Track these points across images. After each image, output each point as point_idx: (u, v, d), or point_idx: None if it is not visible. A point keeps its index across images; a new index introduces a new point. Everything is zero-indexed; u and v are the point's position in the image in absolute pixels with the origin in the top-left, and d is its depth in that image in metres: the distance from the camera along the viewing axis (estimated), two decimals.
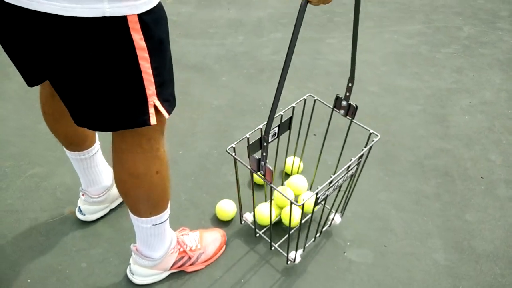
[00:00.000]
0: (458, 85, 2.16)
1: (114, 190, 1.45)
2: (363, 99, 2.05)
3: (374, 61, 2.31)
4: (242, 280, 1.32)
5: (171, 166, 1.59)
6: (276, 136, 1.27)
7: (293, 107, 1.32)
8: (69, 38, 0.79)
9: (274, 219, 1.43)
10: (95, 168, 1.35)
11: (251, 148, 1.15)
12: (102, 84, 0.85)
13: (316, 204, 1.14)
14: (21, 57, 0.93)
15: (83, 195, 1.41)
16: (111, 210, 1.49)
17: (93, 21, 0.76)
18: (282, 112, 1.31)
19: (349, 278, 1.32)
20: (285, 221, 1.40)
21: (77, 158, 1.30)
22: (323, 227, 1.38)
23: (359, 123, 1.29)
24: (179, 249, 1.29)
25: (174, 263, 1.29)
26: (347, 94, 1.25)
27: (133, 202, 1.12)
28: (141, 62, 0.84)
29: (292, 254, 1.31)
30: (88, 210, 1.44)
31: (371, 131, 1.25)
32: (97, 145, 1.34)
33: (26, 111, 1.90)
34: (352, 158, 1.18)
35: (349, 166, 1.17)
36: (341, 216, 1.43)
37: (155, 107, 0.91)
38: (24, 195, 1.55)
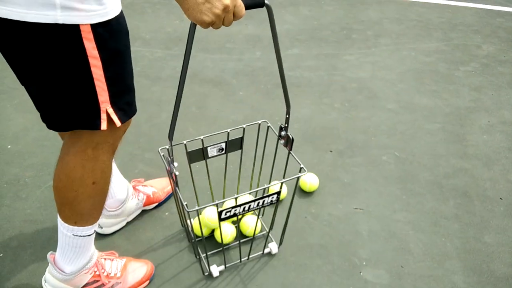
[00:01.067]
0: (477, 104, 2.14)
1: (130, 204, 1.47)
2: (381, 116, 2.04)
3: (392, 78, 2.31)
4: None
5: (187, 180, 1.61)
6: (224, 151, 1.31)
7: (243, 128, 1.34)
8: (25, 41, 0.84)
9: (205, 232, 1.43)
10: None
11: (192, 156, 1.26)
12: (57, 86, 0.91)
13: (220, 219, 1.15)
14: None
15: None
16: (128, 223, 1.51)
17: (47, 27, 0.82)
18: (229, 129, 1.33)
19: None
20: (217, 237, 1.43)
21: None
22: (249, 253, 1.38)
23: (293, 155, 1.26)
24: (95, 271, 1.23)
25: (86, 285, 1.23)
26: (286, 125, 1.26)
27: (62, 203, 1.10)
28: (93, 69, 0.89)
29: (213, 268, 1.33)
30: (105, 224, 1.45)
31: (301, 165, 1.21)
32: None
33: None
34: (269, 185, 1.21)
35: (264, 191, 1.26)
36: (278, 246, 1.40)
37: (108, 114, 0.96)
38: (43, 205, 1.57)
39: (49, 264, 1.21)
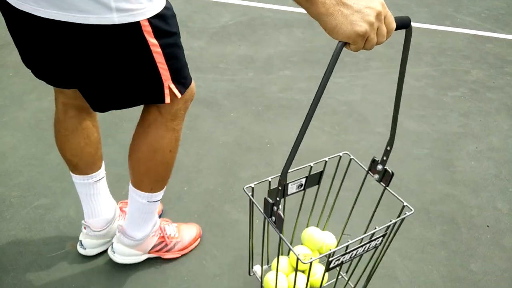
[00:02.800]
0: (465, 130, 2.16)
1: (115, 225, 1.46)
2: (370, 139, 2.06)
3: (382, 102, 2.33)
4: None
5: (175, 202, 1.60)
6: (302, 187, 1.21)
7: (326, 161, 1.26)
8: (90, 41, 0.95)
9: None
10: (98, 197, 1.39)
11: (271, 194, 1.06)
12: (125, 75, 1.04)
13: (327, 269, 1.04)
14: (47, 65, 1.05)
15: (85, 228, 1.42)
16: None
17: (108, 28, 0.92)
18: (312, 163, 1.24)
19: None
20: None
21: (81, 182, 1.35)
22: None
23: (393, 193, 1.19)
24: (160, 234, 1.41)
25: (153, 247, 1.41)
26: (384, 158, 1.17)
27: (141, 174, 1.25)
28: (155, 55, 1.02)
29: None
30: (89, 244, 1.44)
31: (405, 203, 1.13)
32: (102, 172, 1.39)
33: (36, 141, 1.93)
34: (377, 227, 1.07)
35: (372, 235, 1.07)
36: None
37: (170, 89, 1.10)
38: (28, 226, 1.55)
39: (118, 234, 1.36)
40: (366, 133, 2.10)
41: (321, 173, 1.23)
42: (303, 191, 1.24)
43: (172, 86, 1.10)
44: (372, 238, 1.07)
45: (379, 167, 1.20)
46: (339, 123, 2.17)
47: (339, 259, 1.04)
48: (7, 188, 1.70)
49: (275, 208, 0.99)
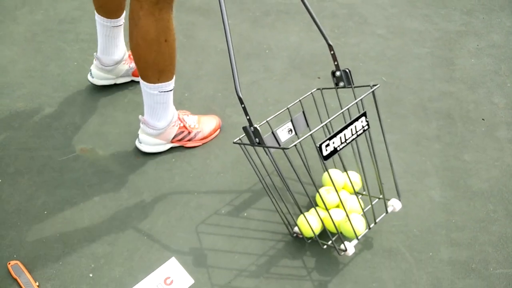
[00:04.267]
0: (468, 28, 2.12)
1: (122, 67, 1.69)
2: (370, 42, 2.03)
3: (383, 3, 2.26)
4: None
5: (176, 107, 1.64)
6: (294, 132, 1.24)
7: (300, 101, 1.32)
8: None
9: (319, 229, 1.27)
10: (113, 40, 1.60)
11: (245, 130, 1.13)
12: None
13: (323, 157, 1.07)
14: None
15: (95, 60, 1.65)
16: (118, 152, 1.55)
17: None
18: (289, 105, 1.30)
19: None
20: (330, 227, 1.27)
21: (102, 23, 1.55)
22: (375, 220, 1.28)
23: (359, 86, 1.25)
24: (180, 124, 1.51)
25: (175, 136, 1.51)
26: (335, 63, 1.25)
27: (144, 66, 1.34)
28: None
29: (345, 245, 1.21)
30: (97, 75, 1.69)
31: (372, 83, 1.20)
32: (121, 20, 1.57)
33: (34, 53, 1.92)
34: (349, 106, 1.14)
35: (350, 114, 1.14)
36: (400, 200, 1.30)
37: None
38: (36, 134, 1.61)
39: (141, 125, 1.47)
40: (366, 35, 2.07)
41: (303, 113, 1.27)
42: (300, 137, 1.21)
43: None
44: (354, 118, 1.13)
45: (337, 73, 1.26)
46: (339, 26, 2.12)
47: (328, 144, 1.09)
48: (12, 100, 1.73)
49: (251, 128, 1.10)
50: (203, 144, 1.57)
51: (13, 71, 1.86)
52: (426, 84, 1.83)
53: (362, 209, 1.27)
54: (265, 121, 1.30)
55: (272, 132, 1.20)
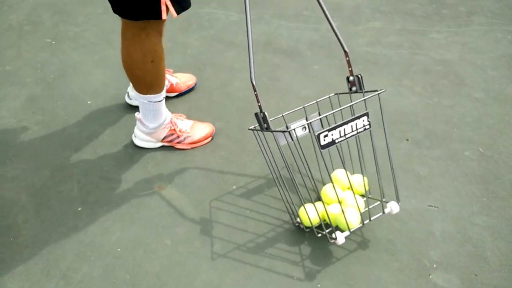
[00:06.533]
0: None
1: None
2: (466, 105, 1.89)
3: (483, 64, 2.11)
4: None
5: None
6: (307, 129, 1.34)
7: (317, 103, 1.43)
8: None
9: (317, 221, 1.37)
10: None
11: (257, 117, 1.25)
12: None
13: (320, 146, 1.15)
14: None
15: None
16: (193, 194, 1.54)
17: None
18: (306, 105, 1.44)
19: None
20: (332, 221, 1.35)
21: None
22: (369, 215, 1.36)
23: (368, 91, 1.32)
24: (171, 127, 1.63)
25: (165, 137, 1.65)
26: (350, 69, 1.32)
27: (133, 80, 1.50)
28: None
29: (336, 234, 1.28)
30: (134, 96, 1.80)
31: (380, 90, 1.26)
32: None
33: (126, 80, 1.99)
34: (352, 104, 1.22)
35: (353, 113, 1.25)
36: (398, 203, 1.36)
37: (166, 6, 1.26)
38: (119, 164, 1.64)
39: (137, 122, 1.62)
40: (462, 97, 1.93)
41: (319, 114, 1.38)
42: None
43: (169, 3, 1.26)
44: (355, 116, 1.19)
45: (351, 78, 1.34)
46: (432, 84, 2.01)
47: (327, 135, 1.16)
48: (100, 126, 1.79)
49: (261, 114, 1.22)
50: (191, 148, 1.68)
51: (104, 96, 1.93)
52: None
53: (358, 207, 1.34)
54: (281, 115, 1.43)
55: (286, 126, 1.33)
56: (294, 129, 1.26)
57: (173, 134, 1.65)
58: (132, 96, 1.82)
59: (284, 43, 2.27)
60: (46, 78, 2.02)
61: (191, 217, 1.48)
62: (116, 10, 1.33)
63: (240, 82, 2.02)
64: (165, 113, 1.62)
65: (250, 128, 1.36)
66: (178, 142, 1.67)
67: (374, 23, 2.43)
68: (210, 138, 1.71)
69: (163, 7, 1.26)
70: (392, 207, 1.35)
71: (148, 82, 1.48)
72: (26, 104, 1.88)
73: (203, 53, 2.18)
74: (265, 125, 1.23)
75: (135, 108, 1.86)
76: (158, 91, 1.52)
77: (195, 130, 1.69)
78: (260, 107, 1.23)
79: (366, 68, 2.11)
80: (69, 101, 1.91)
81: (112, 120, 1.82)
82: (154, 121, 1.60)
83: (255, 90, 1.19)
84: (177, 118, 1.68)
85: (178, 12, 1.29)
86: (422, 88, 1.99)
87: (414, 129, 1.79)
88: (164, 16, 1.27)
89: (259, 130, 1.29)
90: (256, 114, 1.24)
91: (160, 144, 1.67)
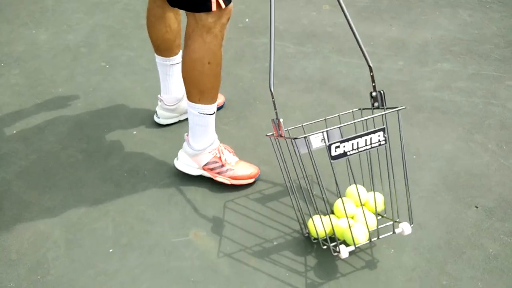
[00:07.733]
0: None
1: (184, 103, 1.78)
2: None
3: None
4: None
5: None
6: (325, 142, 1.28)
7: (339, 116, 1.47)
8: None
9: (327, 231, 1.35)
10: (172, 78, 1.73)
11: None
12: None
13: (331, 157, 1.17)
14: None
15: (160, 101, 1.78)
16: (230, 247, 1.42)
17: None
18: (328, 117, 1.50)
19: None
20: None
21: (161, 63, 1.71)
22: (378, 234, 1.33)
23: (389, 107, 1.32)
24: (216, 154, 1.56)
25: (207, 163, 1.56)
26: (373, 84, 1.34)
27: (187, 84, 1.47)
28: None
29: (340, 247, 1.27)
30: (162, 115, 1.82)
31: (399, 107, 1.29)
32: (178, 58, 1.70)
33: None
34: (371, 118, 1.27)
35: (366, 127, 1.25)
36: (411, 225, 1.34)
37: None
38: (156, 204, 1.56)
39: (184, 143, 1.57)
40: None
41: (340, 128, 1.32)
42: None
43: None
44: (370, 130, 1.20)
45: (374, 94, 1.37)
46: (508, 142, 1.77)
47: (338, 146, 1.17)
48: (142, 159, 1.73)
49: (276, 121, 1.27)
50: (231, 184, 1.57)
51: (150, 128, 1.87)
52: None
53: (367, 223, 1.31)
54: (300, 125, 1.51)
55: (305, 137, 1.27)
56: (309, 136, 1.23)
57: (217, 162, 1.56)
58: (160, 114, 1.81)
59: (342, 81, 2.13)
60: (96, 104, 2.00)
61: (225, 274, 1.35)
62: (172, 2, 1.38)
63: (291, 123, 1.89)
64: (214, 136, 1.56)
65: (267, 134, 1.38)
66: (218, 173, 1.56)
67: (443, 64, 2.22)
68: (253, 180, 1.60)
69: (213, 0, 1.31)
70: (404, 228, 1.32)
71: (202, 87, 1.44)
72: (73, 130, 1.86)
73: (255, 87, 2.08)
74: (280, 131, 1.26)
75: (179, 145, 1.79)
76: (211, 101, 1.47)
77: (240, 167, 1.59)
78: (276, 113, 1.27)
79: (432, 117, 1.91)
80: (115, 129, 1.87)
81: (155, 154, 1.75)
82: (201, 141, 1.53)
83: (272, 97, 1.25)
84: (225, 148, 1.61)
85: (226, 4, 1.33)
86: (497, 146, 1.76)
87: (485, 195, 1.57)
88: (214, 7, 1.31)
89: (276, 137, 1.33)
90: (272, 120, 1.28)
91: (200, 172, 1.58)
